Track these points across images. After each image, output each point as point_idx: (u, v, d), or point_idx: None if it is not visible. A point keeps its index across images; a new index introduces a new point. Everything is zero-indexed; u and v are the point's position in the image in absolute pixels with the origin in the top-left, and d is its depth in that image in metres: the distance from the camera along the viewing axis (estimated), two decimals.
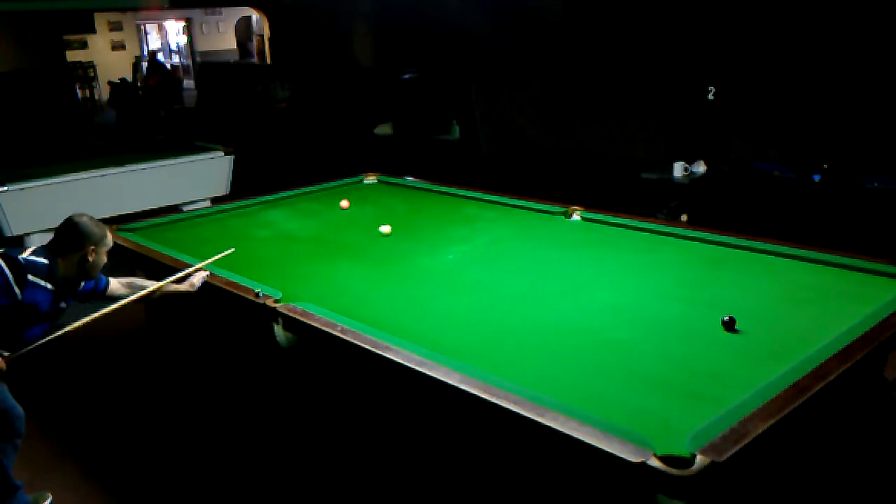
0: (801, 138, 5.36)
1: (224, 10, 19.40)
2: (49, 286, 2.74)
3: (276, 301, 2.61)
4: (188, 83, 18.01)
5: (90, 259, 2.79)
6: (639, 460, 1.58)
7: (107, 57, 19.45)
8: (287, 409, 3.11)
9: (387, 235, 3.50)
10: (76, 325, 2.91)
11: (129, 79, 16.16)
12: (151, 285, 3.03)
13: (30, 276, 2.67)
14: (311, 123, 10.16)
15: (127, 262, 3.64)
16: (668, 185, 5.63)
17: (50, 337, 2.88)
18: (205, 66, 15.48)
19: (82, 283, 2.94)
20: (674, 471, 1.54)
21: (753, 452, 1.65)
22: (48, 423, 3.68)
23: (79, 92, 17.16)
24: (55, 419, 3.71)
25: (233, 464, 3.18)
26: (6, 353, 2.84)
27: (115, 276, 3.19)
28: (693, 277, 2.85)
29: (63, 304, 2.91)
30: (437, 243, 3.41)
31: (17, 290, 2.66)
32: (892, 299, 2.43)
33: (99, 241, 2.80)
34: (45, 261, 2.72)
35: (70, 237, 2.76)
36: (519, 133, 7.35)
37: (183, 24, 20.46)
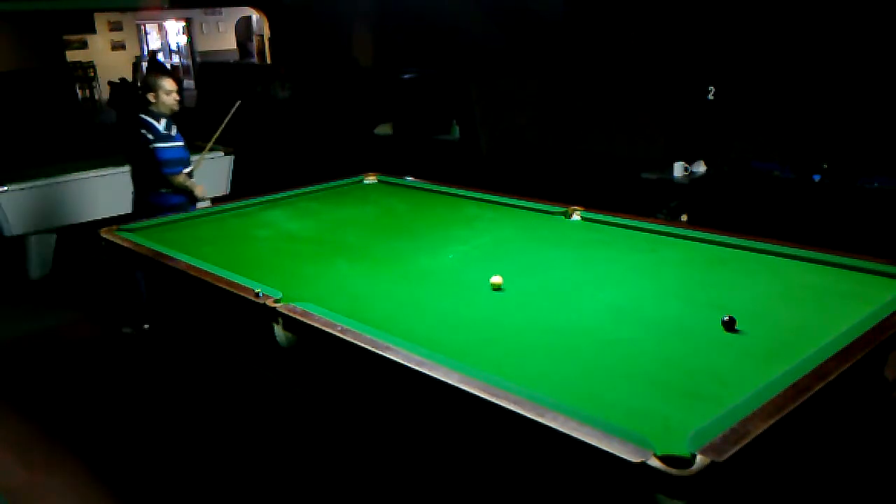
0: (801, 138, 5.36)
1: (224, 10, 19.41)
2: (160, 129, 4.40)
3: (276, 301, 2.61)
4: (188, 83, 18.01)
5: (154, 100, 4.39)
6: (639, 460, 1.58)
7: (107, 57, 19.47)
8: (287, 409, 3.11)
9: (498, 287, 2.77)
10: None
11: (129, 79, 16.15)
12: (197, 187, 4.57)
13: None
14: (312, 123, 10.15)
15: (127, 262, 3.65)
16: (668, 185, 5.63)
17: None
18: (205, 66, 15.48)
19: (174, 127, 4.51)
20: (674, 471, 1.54)
21: (753, 452, 1.65)
22: (48, 423, 3.68)
23: (79, 92, 17.18)
24: (55, 419, 3.71)
25: (233, 463, 3.19)
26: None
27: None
28: (693, 277, 2.85)
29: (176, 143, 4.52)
30: (437, 243, 3.41)
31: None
32: (892, 299, 2.43)
33: (155, 87, 4.39)
34: (142, 114, 4.42)
35: (141, 93, 4.48)
36: (519, 133, 7.35)
37: (183, 24, 20.47)
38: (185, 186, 4.49)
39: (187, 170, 4.58)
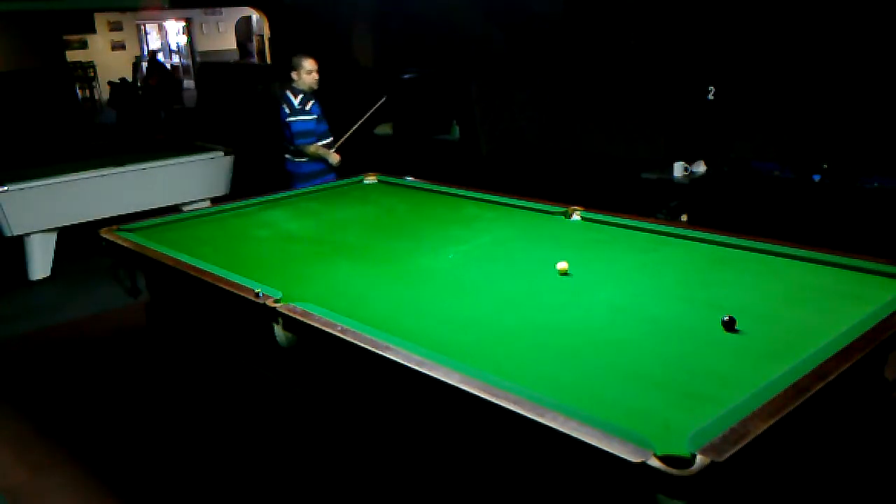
0: (801, 138, 5.36)
1: (224, 10, 19.41)
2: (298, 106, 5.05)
3: (276, 301, 2.61)
4: (188, 83, 18.01)
5: (297, 78, 5.06)
6: (639, 460, 1.58)
7: (107, 57, 19.47)
8: (287, 409, 3.11)
9: (564, 272, 2.88)
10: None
11: (129, 79, 16.15)
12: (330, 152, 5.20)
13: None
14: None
15: (127, 262, 3.65)
16: (668, 185, 5.63)
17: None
18: (205, 66, 15.47)
19: (311, 102, 5.09)
20: (674, 471, 1.54)
21: (753, 452, 1.65)
22: (48, 423, 3.68)
23: (79, 92, 17.17)
24: (55, 419, 3.71)
25: (233, 463, 3.19)
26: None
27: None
28: (693, 277, 2.85)
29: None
30: (437, 243, 3.41)
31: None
32: (892, 299, 2.43)
33: (298, 67, 5.02)
34: (286, 90, 5.12)
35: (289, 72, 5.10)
36: (519, 133, 7.35)
37: (183, 24, 20.47)
38: (319, 155, 5.11)
39: (324, 142, 5.19)
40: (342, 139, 5.35)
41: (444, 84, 8.00)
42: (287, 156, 5.22)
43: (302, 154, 5.11)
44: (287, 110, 5.04)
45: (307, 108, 5.04)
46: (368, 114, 5.48)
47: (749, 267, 2.89)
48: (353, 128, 5.49)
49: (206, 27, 20.05)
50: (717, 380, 2.03)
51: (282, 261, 3.27)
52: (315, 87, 5.09)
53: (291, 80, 5.09)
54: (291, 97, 5.05)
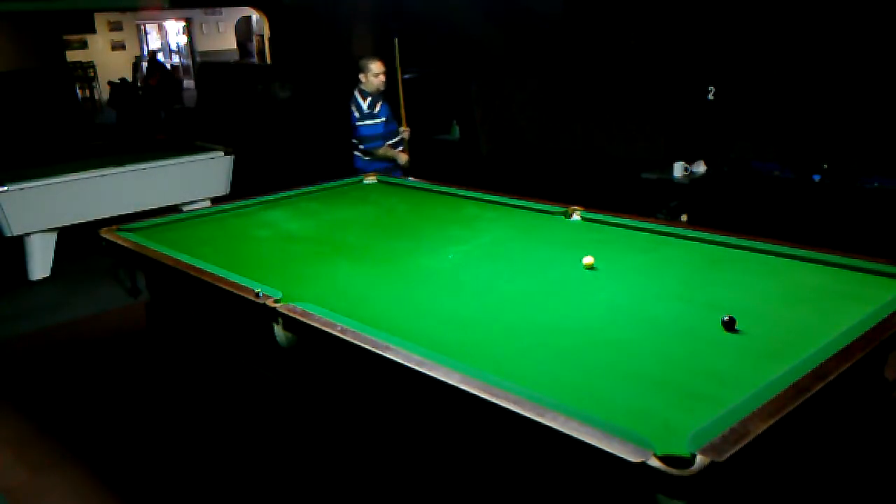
0: (801, 138, 5.36)
1: (224, 10, 19.41)
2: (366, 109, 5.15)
3: (276, 301, 2.61)
4: (188, 83, 18.01)
5: (364, 81, 5.12)
6: (639, 460, 1.58)
7: (107, 57, 19.47)
8: (287, 409, 3.12)
9: (590, 267, 2.94)
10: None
11: (129, 79, 16.16)
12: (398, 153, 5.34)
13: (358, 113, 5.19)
14: (312, 124, 10.14)
15: (127, 262, 3.65)
16: (668, 185, 5.63)
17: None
18: (205, 66, 15.46)
19: (379, 104, 5.18)
20: (674, 471, 1.54)
21: (753, 452, 1.65)
22: (48, 423, 3.68)
23: (79, 92, 17.17)
24: (55, 419, 3.71)
25: (233, 463, 3.19)
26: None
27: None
28: (693, 277, 2.85)
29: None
30: (437, 243, 3.41)
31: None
32: (892, 299, 2.43)
33: (365, 70, 5.08)
34: (355, 92, 5.18)
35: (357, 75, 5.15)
36: (519, 133, 7.36)
37: (183, 24, 20.47)
38: (388, 156, 5.23)
39: (392, 141, 5.30)
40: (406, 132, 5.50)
41: (444, 84, 8.01)
42: (356, 153, 5.35)
43: (371, 154, 5.25)
44: (357, 114, 5.16)
45: (375, 111, 5.15)
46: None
47: (749, 267, 2.89)
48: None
49: (206, 27, 20.05)
50: (717, 380, 2.03)
51: (282, 261, 3.27)
52: (382, 88, 5.17)
53: (360, 83, 5.17)
54: (360, 100, 5.15)
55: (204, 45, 20.03)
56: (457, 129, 7.96)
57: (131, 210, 5.85)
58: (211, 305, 3.31)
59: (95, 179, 5.90)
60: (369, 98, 5.14)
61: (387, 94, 5.33)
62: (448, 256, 3.22)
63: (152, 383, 3.99)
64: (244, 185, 6.46)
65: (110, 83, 15.07)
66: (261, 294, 2.67)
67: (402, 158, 5.34)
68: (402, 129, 5.50)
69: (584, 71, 6.61)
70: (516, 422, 1.81)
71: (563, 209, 3.73)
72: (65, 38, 14.16)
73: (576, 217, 3.65)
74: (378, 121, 5.18)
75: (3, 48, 11.81)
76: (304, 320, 2.45)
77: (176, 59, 21.32)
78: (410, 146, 5.61)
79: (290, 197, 4.41)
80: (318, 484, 2.99)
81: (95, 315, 5.04)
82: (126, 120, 13.67)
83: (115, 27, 19.65)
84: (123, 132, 12.53)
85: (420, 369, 2.06)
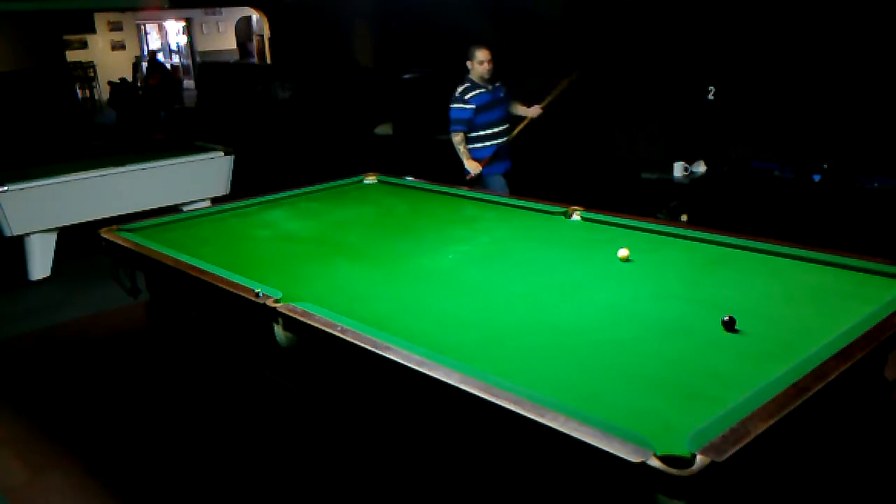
0: (801, 138, 5.37)
1: (224, 10, 19.42)
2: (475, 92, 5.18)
3: (276, 301, 2.61)
4: (188, 83, 18.01)
5: (470, 67, 5.17)
6: (639, 460, 1.58)
7: (107, 57, 19.47)
8: (287, 409, 3.12)
9: (626, 259, 3.01)
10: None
11: (129, 79, 16.15)
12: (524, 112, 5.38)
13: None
14: (312, 124, 10.15)
15: (127, 262, 3.65)
16: (668, 185, 5.63)
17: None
18: (205, 66, 15.47)
19: (475, 93, 5.17)
20: (674, 471, 1.54)
21: (753, 452, 1.65)
22: (48, 423, 3.68)
23: (79, 92, 17.17)
24: (55, 419, 3.71)
25: (233, 463, 3.19)
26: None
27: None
28: (693, 277, 2.85)
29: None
30: (437, 243, 3.41)
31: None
32: (892, 299, 2.43)
33: (471, 57, 5.13)
34: (464, 83, 5.23)
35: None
36: (518, 133, 7.34)
37: (183, 24, 20.48)
38: (459, 151, 5.22)
39: (495, 129, 5.25)
40: (519, 127, 5.36)
41: (444, 84, 8.01)
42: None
43: (476, 140, 5.21)
44: (455, 96, 5.21)
45: (467, 97, 5.13)
46: (560, 88, 5.43)
47: (749, 267, 2.89)
48: (549, 99, 5.47)
49: (206, 27, 20.05)
50: (717, 380, 2.03)
51: (282, 261, 3.27)
52: (486, 76, 5.13)
53: (467, 70, 5.21)
54: (459, 85, 5.22)
55: (204, 45, 20.03)
56: None
57: (131, 210, 5.84)
58: (211, 305, 3.31)
59: (95, 179, 5.90)
60: (467, 84, 5.16)
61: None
62: (448, 256, 3.22)
63: (152, 383, 3.99)
64: (244, 185, 6.45)
65: (110, 83, 15.07)
66: (261, 294, 2.67)
67: (472, 166, 5.18)
68: (523, 107, 5.39)
69: (585, 71, 6.61)
70: (516, 422, 1.81)
71: (563, 209, 3.73)
72: (65, 38, 14.17)
73: (576, 217, 3.65)
74: (467, 107, 5.13)
75: (3, 48, 11.83)
76: (305, 320, 2.45)
77: (176, 59, 21.32)
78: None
79: (290, 197, 4.41)
80: (318, 484, 2.99)
81: (95, 315, 5.04)
82: (126, 120, 13.68)
83: (115, 27, 19.65)
84: (123, 132, 12.53)
85: (420, 369, 2.06)
